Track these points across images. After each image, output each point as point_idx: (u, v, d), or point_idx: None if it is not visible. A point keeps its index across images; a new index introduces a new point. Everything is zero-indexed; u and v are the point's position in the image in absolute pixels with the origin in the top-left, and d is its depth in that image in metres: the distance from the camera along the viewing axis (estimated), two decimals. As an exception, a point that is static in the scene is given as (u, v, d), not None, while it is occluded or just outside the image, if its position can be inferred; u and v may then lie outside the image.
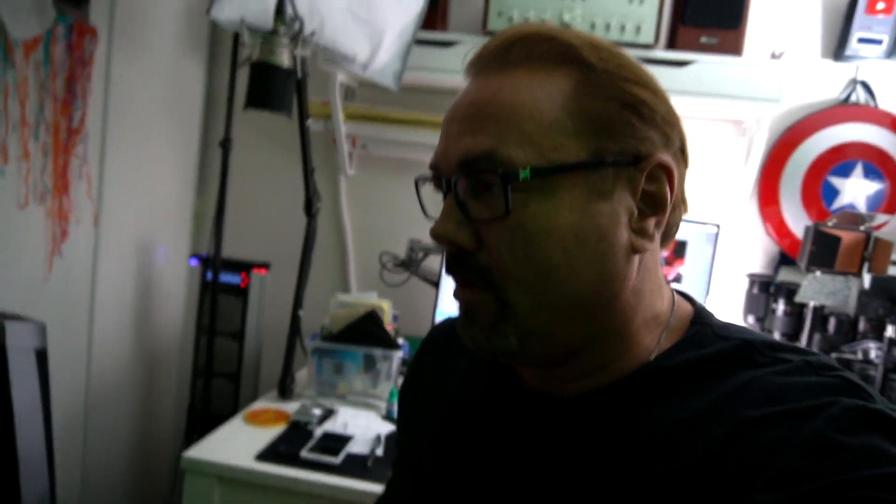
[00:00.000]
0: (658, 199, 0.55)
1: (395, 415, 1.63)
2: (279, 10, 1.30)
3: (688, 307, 0.62)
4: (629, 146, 0.53)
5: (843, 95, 1.92)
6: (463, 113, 0.54)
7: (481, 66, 0.56)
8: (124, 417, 1.93)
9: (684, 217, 0.61)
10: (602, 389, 0.57)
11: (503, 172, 0.51)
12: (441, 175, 0.56)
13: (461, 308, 0.57)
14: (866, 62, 1.87)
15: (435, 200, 0.60)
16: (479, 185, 0.53)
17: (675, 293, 0.62)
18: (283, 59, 1.30)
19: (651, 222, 0.55)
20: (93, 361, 1.74)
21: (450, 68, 1.76)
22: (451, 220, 0.54)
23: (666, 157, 0.54)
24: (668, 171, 0.54)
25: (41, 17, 1.36)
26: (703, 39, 1.70)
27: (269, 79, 1.29)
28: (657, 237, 0.55)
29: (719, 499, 0.45)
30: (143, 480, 2.04)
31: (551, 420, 0.58)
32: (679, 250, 1.76)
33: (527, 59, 0.54)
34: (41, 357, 1.10)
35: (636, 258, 0.55)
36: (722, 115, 1.93)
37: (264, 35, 1.30)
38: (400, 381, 1.77)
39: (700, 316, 0.60)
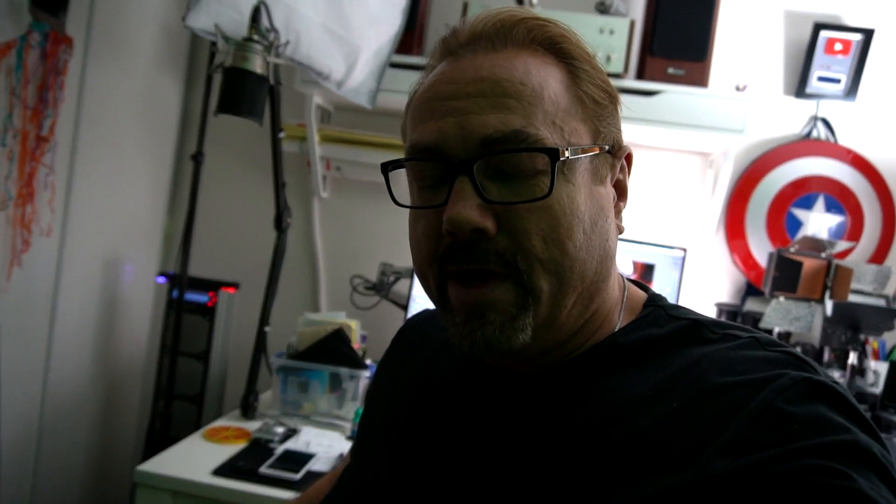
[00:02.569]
0: (623, 187, 0.59)
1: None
2: (254, 20, 1.32)
3: (641, 292, 0.63)
4: (612, 134, 0.57)
5: (805, 131, 1.98)
6: (474, 88, 0.52)
7: (474, 42, 0.55)
8: (81, 437, 1.86)
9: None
10: (558, 365, 0.57)
11: (550, 150, 0.50)
12: (447, 156, 0.52)
13: (464, 310, 0.53)
14: (826, 100, 1.95)
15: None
16: (502, 166, 0.51)
17: (626, 280, 0.64)
18: (256, 65, 1.32)
19: (622, 206, 0.59)
20: (49, 378, 1.68)
21: (425, 92, 1.79)
22: (471, 205, 0.50)
23: (630, 148, 0.59)
24: (630, 162, 0.59)
25: (15, 22, 1.36)
26: (671, 70, 1.76)
27: (241, 84, 1.30)
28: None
29: (672, 466, 0.46)
30: (98, 501, 1.96)
31: (508, 395, 0.58)
32: (646, 274, 1.78)
33: (529, 41, 0.55)
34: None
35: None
36: (690, 146, 1.98)
37: (238, 42, 1.32)
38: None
39: (653, 300, 0.62)
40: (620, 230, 0.59)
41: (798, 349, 1.85)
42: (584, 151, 0.53)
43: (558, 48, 0.55)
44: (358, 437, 0.76)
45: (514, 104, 0.51)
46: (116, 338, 1.97)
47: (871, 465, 0.42)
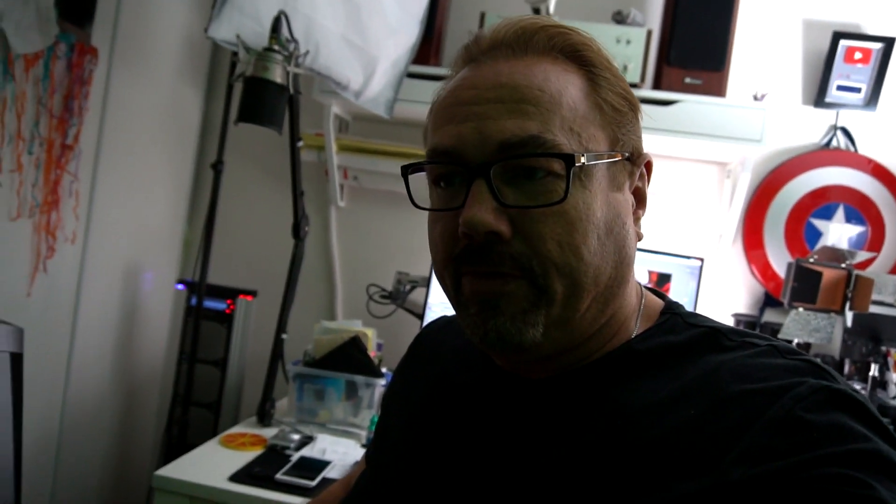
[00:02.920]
0: (642, 195, 0.60)
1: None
2: (275, 31, 1.35)
3: (658, 300, 0.63)
4: (632, 141, 0.57)
5: (825, 140, 1.97)
6: (493, 94, 0.53)
7: (495, 49, 0.56)
8: (100, 442, 1.88)
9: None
10: (572, 371, 0.57)
11: (566, 156, 0.51)
12: (465, 160, 0.53)
13: (477, 299, 0.53)
14: (846, 109, 1.93)
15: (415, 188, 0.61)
16: (518, 170, 0.52)
17: (641, 286, 0.64)
18: (276, 75, 1.34)
19: (641, 214, 0.60)
20: (70, 383, 1.71)
21: (442, 102, 1.81)
22: (487, 208, 0.51)
23: (651, 156, 0.60)
24: (650, 171, 0.60)
25: (44, 34, 1.39)
26: (688, 80, 1.76)
27: (261, 93, 1.32)
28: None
29: (690, 473, 0.45)
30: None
31: (522, 400, 0.58)
32: (662, 283, 1.77)
33: (550, 49, 0.55)
34: (16, 361, 1.08)
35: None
36: (708, 156, 1.97)
37: (259, 52, 1.34)
38: (382, 410, 1.75)
39: (670, 307, 0.61)
40: (639, 237, 0.59)
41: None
42: (601, 158, 0.53)
43: (579, 55, 0.56)
44: (374, 443, 0.76)
45: (532, 110, 0.51)
46: (136, 344, 2.00)
47: (892, 474, 0.42)
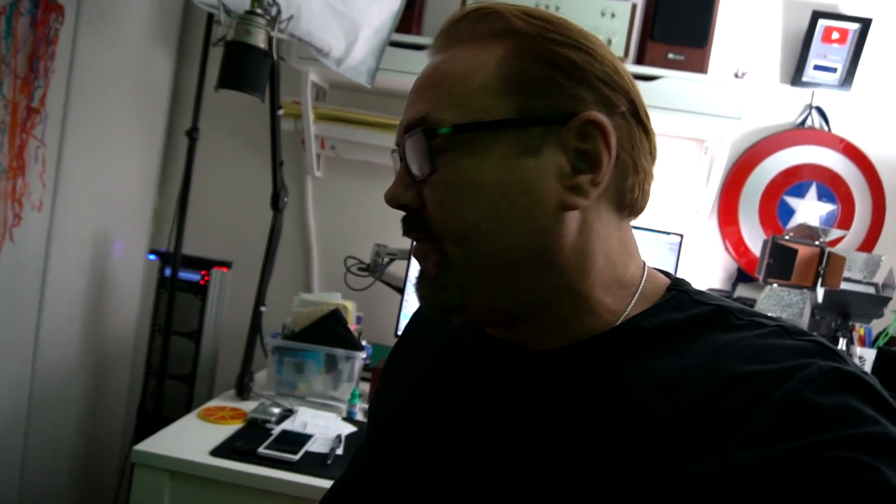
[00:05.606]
0: (593, 157, 0.54)
1: (356, 416, 1.61)
2: (257, -6, 1.30)
3: (664, 277, 0.63)
4: (556, 104, 0.54)
5: (800, 119, 2.00)
6: (413, 87, 0.59)
7: (437, 45, 0.61)
8: (71, 417, 1.83)
9: (649, 187, 0.62)
10: (574, 346, 0.57)
11: (425, 129, 0.54)
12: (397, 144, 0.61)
13: (419, 267, 0.60)
14: (821, 89, 1.96)
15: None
16: (415, 148, 0.56)
17: (648, 266, 0.63)
18: (259, 39, 1.29)
19: (585, 179, 0.54)
20: (39, 356, 1.66)
21: (423, 72, 1.77)
22: (400, 184, 0.58)
23: (597, 115, 0.53)
24: (600, 128, 0.54)
25: (6, -11, 1.32)
26: (671, 56, 1.76)
27: (243, 58, 1.27)
28: (593, 194, 0.54)
29: (695, 454, 0.45)
30: (87, 481, 1.95)
31: (521, 372, 0.58)
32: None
33: (472, 35, 0.57)
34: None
35: (571, 216, 0.55)
36: (687, 132, 1.99)
37: (240, 15, 1.28)
38: (362, 384, 1.74)
39: (677, 284, 0.61)
40: (567, 205, 0.54)
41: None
42: (484, 127, 0.53)
43: (503, 30, 0.56)
44: (371, 418, 0.76)
45: (429, 94, 0.56)
46: (106, 316, 1.94)
47: None
